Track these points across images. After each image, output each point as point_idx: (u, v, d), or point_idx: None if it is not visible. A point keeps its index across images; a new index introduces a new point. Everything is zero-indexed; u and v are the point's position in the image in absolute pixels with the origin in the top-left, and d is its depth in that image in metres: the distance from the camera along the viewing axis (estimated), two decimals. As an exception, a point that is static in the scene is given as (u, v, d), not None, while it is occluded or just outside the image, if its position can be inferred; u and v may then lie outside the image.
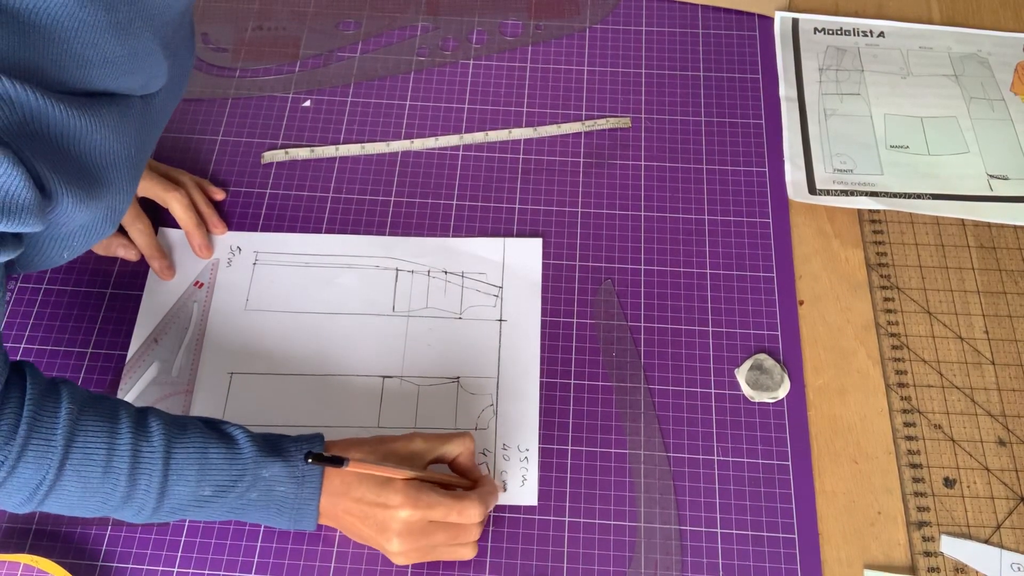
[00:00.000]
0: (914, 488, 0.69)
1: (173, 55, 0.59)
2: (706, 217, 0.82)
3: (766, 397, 0.72)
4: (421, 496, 0.61)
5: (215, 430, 0.61)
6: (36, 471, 0.54)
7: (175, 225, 0.80)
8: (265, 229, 0.81)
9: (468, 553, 0.64)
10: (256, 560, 0.67)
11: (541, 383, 0.73)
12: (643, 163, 0.85)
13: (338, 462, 0.59)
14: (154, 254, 0.77)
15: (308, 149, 0.86)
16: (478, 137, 0.86)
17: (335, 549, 0.67)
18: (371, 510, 0.61)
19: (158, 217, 0.80)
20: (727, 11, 0.95)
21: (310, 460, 0.58)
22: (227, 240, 0.80)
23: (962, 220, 0.81)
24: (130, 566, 0.66)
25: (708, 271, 0.79)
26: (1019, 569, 0.66)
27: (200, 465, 0.58)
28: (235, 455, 0.59)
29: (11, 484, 0.54)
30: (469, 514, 0.62)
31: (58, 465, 0.55)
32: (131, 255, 0.78)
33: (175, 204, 0.78)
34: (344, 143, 0.86)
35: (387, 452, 0.63)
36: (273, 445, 0.61)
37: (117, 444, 0.56)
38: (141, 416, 0.59)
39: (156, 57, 0.56)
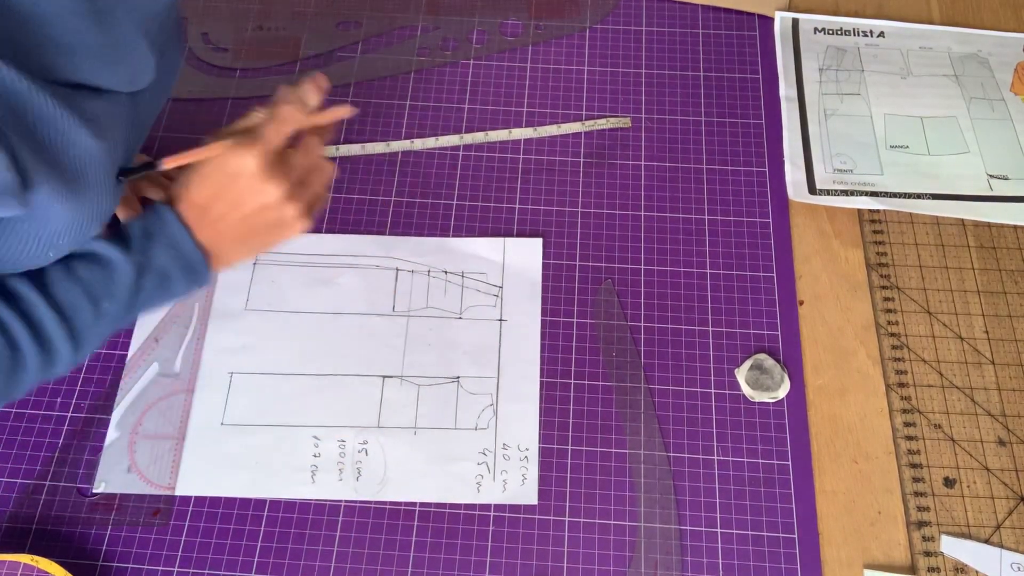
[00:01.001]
0: (914, 488, 0.69)
1: (160, 53, 0.59)
2: (706, 217, 0.82)
3: (766, 397, 0.72)
4: (250, 136, 0.59)
5: (77, 257, 0.59)
6: None
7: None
8: (265, 229, 0.81)
9: (329, 173, 0.63)
10: (256, 560, 0.67)
11: (541, 383, 0.74)
12: (643, 163, 0.85)
13: (149, 166, 0.58)
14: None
15: (308, 149, 0.85)
16: (478, 137, 0.86)
17: (335, 549, 0.67)
18: (233, 195, 0.59)
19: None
20: (727, 11, 0.95)
21: (121, 177, 0.57)
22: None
23: (962, 220, 0.81)
24: (130, 566, 0.66)
25: (708, 271, 0.79)
26: (1019, 569, 0.66)
27: (86, 294, 0.57)
28: (107, 266, 0.58)
29: None
30: (287, 113, 0.60)
31: None
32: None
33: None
34: (344, 143, 0.86)
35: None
36: (129, 239, 0.60)
37: (10, 326, 0.55)
38: (8, 292, 0.57)
39: (140, 50, 0.55)
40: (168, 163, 0.59)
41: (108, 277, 0.58)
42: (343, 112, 0.65)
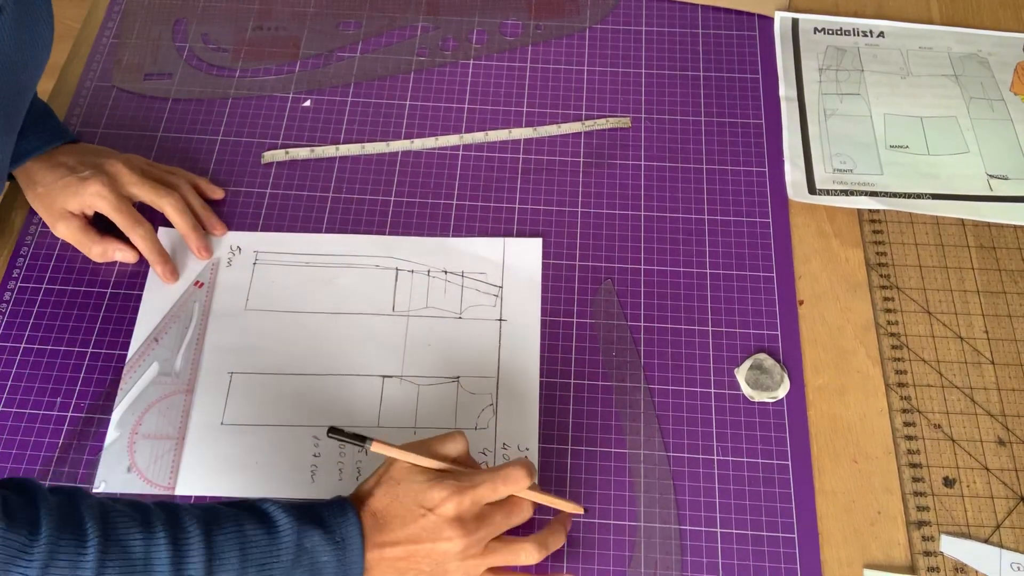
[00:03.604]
0: (914, 488, 0.69)
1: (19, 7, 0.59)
2: (706, 217, 0.82)
3: (766, 397, 0.72)
4: (462, 481, 0.59)
5: (248, 509, 0.58)
6: (70, 571, 0.51)
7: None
8: (265, 229, 0.81)
9: (530, 557, 0.61)
10: (256, 560, 0.67)
11: (541, 383, 0.74)
12: (643, 163, 0.85)
13: (360, 439, 0.58)
14: (157, 259, 0.77)
15: (308, 149, 0.86)
16: (478, 137, 0.86)
17: (335, 549, 0.67)
18: (415, 528, 0.58)
19: (158, 216, 0.80)
20: (727, 11, 0.95)
21: (331, 435, 0.57)
22: (227, 240, 0.80)
23: (962, 220, 0.81)
24: (130, 566, 0.66)
25: (708, 271, 0.79)
26: (1019, 569, 0.66)
27: (241, 549, 0.55)
28: (274, 532, 0.56)
29: None
30: (515, 477, 0.60)
31: (95, 564, 0.51)
32: (129, 257, 0.78)
33: (169, 208, 0.77)
34: (344, 143, 0.86)
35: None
36: (307, 513, 0.58)
37: (154, 539, 0.53)
38: (171, 510, 0.56)
39: None
40: (376, 447, 0.59)
41: (268, 546, 0.56)
42: (574, 508, 0.65)
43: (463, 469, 0.62)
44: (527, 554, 0.61)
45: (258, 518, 0.57)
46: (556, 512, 0.65)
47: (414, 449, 0.62)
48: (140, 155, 0.83)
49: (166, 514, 0.55)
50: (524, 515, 0.62)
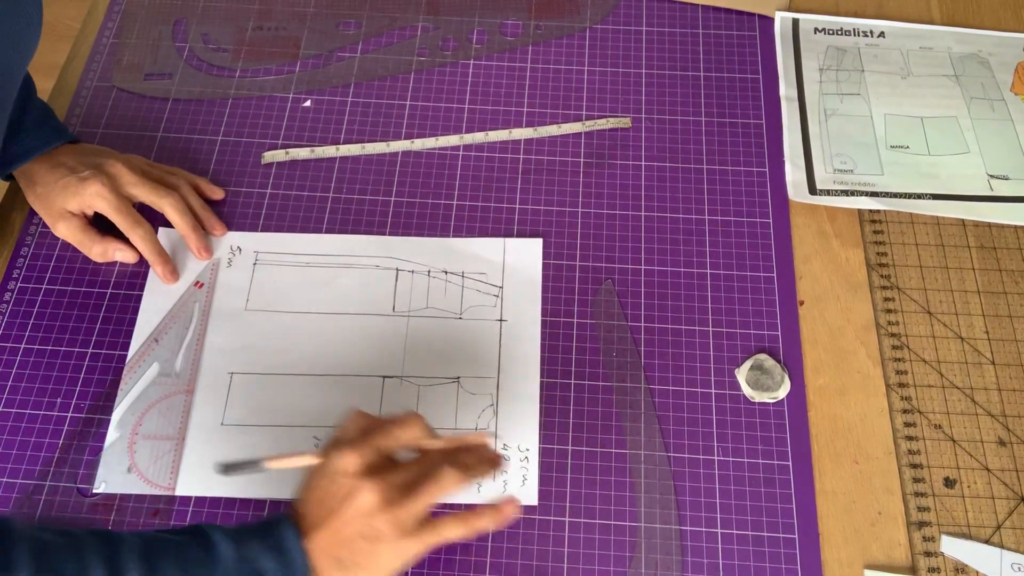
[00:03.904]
0: (914, 488, 0.69)
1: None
2: (706, 217, 0.82)
3: (766, 397, 0.72)
4: (359, 436, 0.58)
5: (190, 533, 0.57)
6: None
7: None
8: (265, 229, 0.81)
9: (451, 480, 0.58)
10: (256, 560, 0.67)
11: (541, 383, 0.73)
12: (643, 163, 0.85)
13: (252, 465, 0.58)
14: (157, 259, 0.77)
15: (308, 149, 0.86)
16: (478, 137, 0.86)
17: (335, 549, 0.67)
18: (335, 501, 0.57)
19: (158, 217, 0.80)
20: (727, 11, 0.95)
21: (225, 473, 0.58)
22: (227, 240, 0.80)
23: (962, 220, 0.81)
24: (130, 566, 0.66)
25: (708, 271, 0.79)
26: (1019, 569, 0.66)
27: (183, 571, 0.54)
28: (213, 550, 0.56)
29: None
30: (408, 420, 0.59)
31: None
32: (129, 257, 0.78)
33: (169, 209, 0.77)
34: (344, 143, 0.86)
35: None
36: (246, 530, 0.58)
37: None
38: (108, 542, 0.54)
39: None
40: (271, 464, 0.58)
41: (206, 559, 0.55)
42: (477, 437, 0.63)
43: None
44: (447, 476, 0.58)
45: (199, 543, 0.56)
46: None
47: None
48: (140, 155, 0.83)
49: (102, 546, 0.54)
50: (434, 461, 0.59)
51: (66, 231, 0.78)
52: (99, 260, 0.78)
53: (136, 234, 0.77)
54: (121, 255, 0.78)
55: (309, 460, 0.60)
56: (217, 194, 0.82)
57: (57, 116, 0.82)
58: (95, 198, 0.76)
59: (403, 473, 0.58)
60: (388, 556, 0.57)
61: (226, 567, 0.55)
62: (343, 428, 0.61)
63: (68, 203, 0.77)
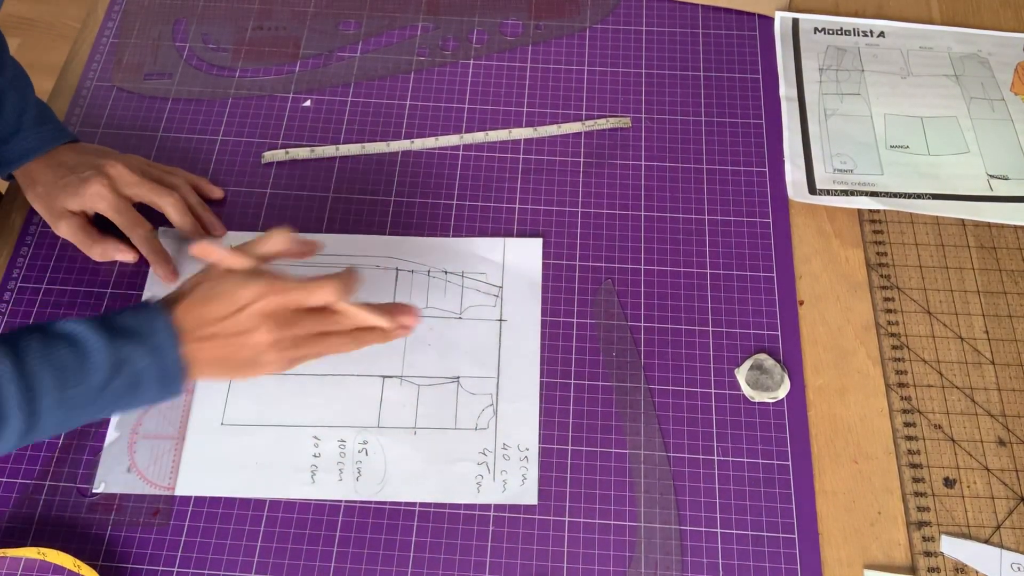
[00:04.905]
0: (914, 488, 0.69)
1: None
2: (706, 217, 0.82)
3: (766, 397, 0.72)
4: (275, 281, 0.62)
5: (56, 336, 0.59)
6: None
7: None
8: (265, 229, 0.81)
9: (345, 344, 0.65)
10: (256, 560, 0.67)
11: (541, 383, 0.73)
12: (643, 163, 0.85)
13: (187, 242, 0.62)
14: (157, 259, 0.77)
15: (308, 149, 0.86)
16: (478, 137, 0.86)
17: (335, 549, 0.67)
18: (230, 322, 0.61)
19: (158, 216, 0.80)
20: (727, 11, 0.95)
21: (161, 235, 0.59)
22: (227, 240, 0.80)
23: (962, 220, 0.81)
24: (130, 566, 0.66)
25: (708, 271, 0.79)
26: (1019, 569, 0.66)
27: (57, 376, 0.57)
28: (86, 353, 0.58)
29: None
30: (327, 284, 0.62)
31: None
32: (129, 257, 0.78)
33: (169, 209, 0.77)
34: (344, 143, 0.86)
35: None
36: (115, 327, 0.60)
37: None
38: None
39: None
40: (197, 250, 0.61)
41: (81, 367, 0.57)
42: (379, 321, 0.66)
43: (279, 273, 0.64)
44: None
45: (68, 343, 0.58)
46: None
47: (241, 250, 0.64)
48: (140, 155, 0.83)
49: None
50: (339, 324, 0.64)
51: (67, 230, 0.78)
52: (99, 260, 0.78)
53: (136, 234, 0.77)
54: (121, 255, 0.78)
55: (234, 258, 0.63)
56: (217, 194, 0.82)
57: (57, 116, 0.82)
58: (95, 198, 0.76)
59: (300, 327, 0.63)
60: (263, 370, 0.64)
61: (100, 367, 0.58)
62: (268, 246, 0.65)
63: (69, 203, 0.77)
